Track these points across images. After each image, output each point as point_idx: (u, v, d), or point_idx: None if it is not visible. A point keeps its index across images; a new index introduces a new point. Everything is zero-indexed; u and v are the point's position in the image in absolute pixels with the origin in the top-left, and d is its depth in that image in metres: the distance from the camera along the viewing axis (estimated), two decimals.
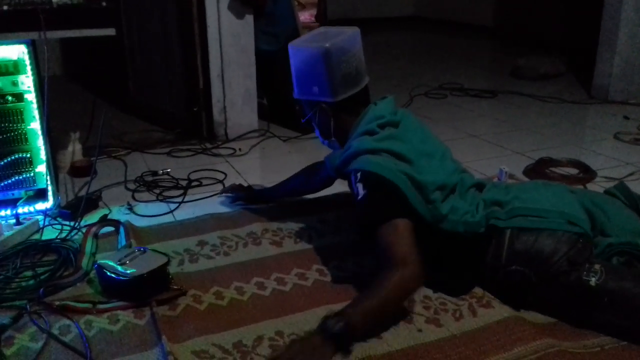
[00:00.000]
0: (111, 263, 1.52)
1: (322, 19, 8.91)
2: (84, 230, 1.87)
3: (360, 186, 1.49)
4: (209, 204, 2.18)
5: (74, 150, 2.52)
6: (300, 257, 1.74)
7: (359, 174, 1.51)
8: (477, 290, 1.55)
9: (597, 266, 1.39)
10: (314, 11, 9.20)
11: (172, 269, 1.64)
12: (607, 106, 3.59)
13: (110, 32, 2.43)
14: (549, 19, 5.46)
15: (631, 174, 2.40)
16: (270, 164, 2.70)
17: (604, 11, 3.63)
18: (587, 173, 2.42)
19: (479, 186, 1.67)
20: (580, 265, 1.39)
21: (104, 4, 2.43)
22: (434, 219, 1.50)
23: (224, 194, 2.23)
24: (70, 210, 2.01)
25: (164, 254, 1.60)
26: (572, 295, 1.39)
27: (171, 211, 2.11)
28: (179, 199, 2.20)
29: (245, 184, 2.30)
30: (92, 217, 2.01)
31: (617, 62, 3.61)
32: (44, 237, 1.85)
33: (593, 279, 1.37)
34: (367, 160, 1.50)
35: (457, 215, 1.52)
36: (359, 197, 1.49)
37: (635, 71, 3.67)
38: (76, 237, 1.85)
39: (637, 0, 3.50)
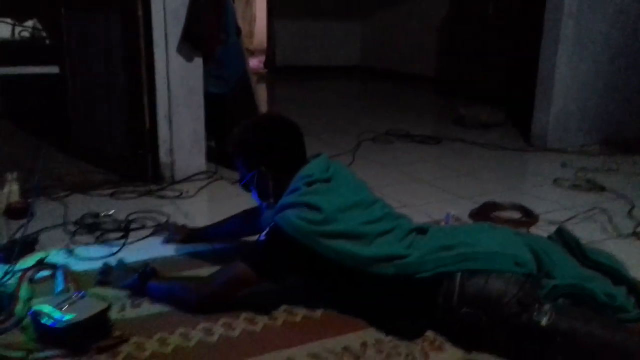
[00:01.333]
0: (47, 309, 1.43)
1: (271, 66, 9.04)
2: (18, 274, 1.76)
3: (266, 231, 1.61)
4: (152, 246, 2.11)
5: (11, 191, 2.40)
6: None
7: (272, 224, 1.60)
8: (429, 334, 1.54)
9: (546, 306, 1.41)
10: (262, 58, 9.33)
11: (113, 314, 1.56)
12: (545, 154, 3.74)
13: (54, 70, 2.38)
14: (489, 70, 5.71)
15: (571, 218, 2.48)
16: (217, 206, 2.65)
17: (540, 64, 3.83)
18: (529, 217, 2.49)
19: (421, 230, 1.69)
20: (530, 306, 1.41)
21: (47, 41, 2.38)
22: (356, 262, 1.54)
23: (158, 233, 2.19)
24: (5, 253, 1.89)
25: (105, 298, 1.52)
26: (523, 336, 1.40)
27: (113, 254, 2.03)
28: (121, 242, 2.12)
29: (190, 226, 2.25)
30: (28, 261, 1.89)
31: (553, 112, 3.79)
32: None
33: (544, 319, 1.38)
34: (283, 216, 1.56)
35: (387, 259, 1.53)
36: (259, 238, 1.64)
37: (570, 120, 3.86)
38: (10, 281, 1.73)
39: (569, 56, 3.71)
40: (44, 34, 2.39)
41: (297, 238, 1.54)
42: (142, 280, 1.71)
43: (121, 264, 1.87)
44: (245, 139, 1.73)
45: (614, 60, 3.89)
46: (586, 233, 2.28)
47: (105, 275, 1.80)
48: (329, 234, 1.54)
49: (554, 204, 2.72)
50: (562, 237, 1.82)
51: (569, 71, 3.75)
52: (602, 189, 2.94)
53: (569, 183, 3.04)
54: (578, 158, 3.60)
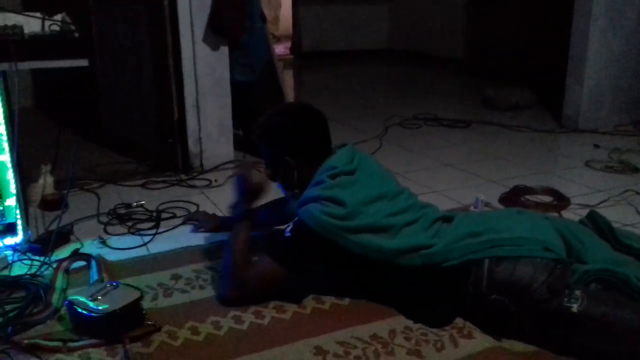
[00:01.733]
0: (82, 299, 1.47)
1: (297, 52, 9.01)
2: (54, 265, 1.81)
3: (290, 226, 1.61)
4: (183, 235, 2.14)
5: (45, 183, 2.46)
6: None
7: (296, 219, 1.60)
8: (458, 321, 1.53)
9: (577, 292, 1.39)
10: (288, 44, 9.32)
11: (146, 304, 1.59)
12: (577, 135, 3.66)
13: (83, 63, 2.41)
14: (518, 50, 5.60)
15: (604, 201, 2.43)
16: None
17: (572, 43, 3.73)
18: (561, 200, 2.45)
19: (447, 219, 1.68)
20: (560, 292, 1.39)
21: (76, 34, 2.41)
22: (383, 255, 1.53)
23: (188, 222, 2.21)
24: (41, 244, 1.95)
25: (137, 288, 1.56)
26: (553, 323, 1.39)
27: (145, 244, 2.07)
28: (152, 232, 2.16)
29: (220, 214, 2.28)
30: (63, 252, 1.95)
31: (585, 92, 3.71)
32: (12, 273, 1.78)
33: (575, 305, 1.36)
34: (306, 211, 1.56)
35: (412, 250, 1.53)
36: (285, 233, 1.61)
37: (603, 100, 3.77)
38: (46, 272, 1.79)
39: (602, 32, 3.61)
40: (73, 27, 2.42)
41: (321, 233, 1.54)
42: (241, 219, 1.74)
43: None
44: (271, 128, 1.73)
45: None
46: (619, 216, 2.23)
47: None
48: (353, 228, 1.54)
49: (586, 187, 2.66)
50: (594, 220, 1.78)
51: (602, 49, 3.65)
52: (635, 170, 2.87)
53: (602, 165, 2.98)
54: (611, 139, 3.52)
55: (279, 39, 9.13)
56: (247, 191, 1.74)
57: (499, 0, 5.76)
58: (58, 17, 2.44)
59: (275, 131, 1.72)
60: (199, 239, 2.11)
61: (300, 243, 1.59)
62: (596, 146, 3.34)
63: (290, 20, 8.28)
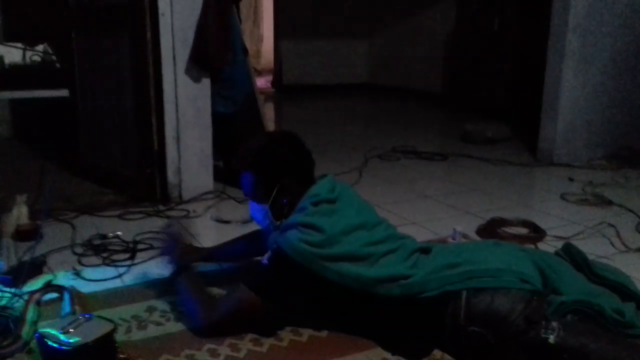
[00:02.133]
0: (53, 331, 1.43)
1: (278, 85, 9.10)
2: (26, 297, 1.77)
3: (269, 254, 1.61)
4: (159, 267, 2.11)
5: (20, 213, 2.41)
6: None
7: (274, 246, 1.59)
8: (436, 353, 1.53)
9: (554, 323, 1.40)
10: (270, 77, 9.40)
11: (119, 336, 1.56)
12: (552, 168, 3.73)
13: (64, 93, 2.41)
14: (495, 86, 5.72)
15: (579, 233, 2.47)
16: (225, 226, 2.66)
17: (546, 78, 3.83)
18: (537, 232, 2.48)
19: (424, 250, 1.69)
20: (537, 323, 1.40)
21: (57, 65, 2.42)
22: (360, 283, 1.53)
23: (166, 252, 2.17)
24: (12, 275, 1.91)
25: (110, 320, 1.53)
26: (531, 354, 1.39)
27: (119, 275, 2.04)
28: (128, 263, 2.13)
29: (198, 245, 2.25)
30: (36, 283, 1.91)
31: (559, 126, 3.79)
32: None
33: (552, 337, 1.37)
34: (285, 238, 1.57)
35: (391, 280, 1.53)
36: (262, 261, 1.62)
37: (577, 135, 3.86)
38: (17, 304, 1.74)
39: (575, 68, 3.71)
40: (54, 57, 2.43)
41: (298, 261, 1.54)
42: (179, 270, 1.79)
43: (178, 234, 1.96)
44: (260, 155, 1.71)
45: (620, 73, 3.89)
46: (594, 248, 2.26)
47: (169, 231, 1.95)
48: (331, 256, 1.54)
49: (561, 219, 2.70)
50: (569, 252, 1.81)
51: (575, 85, 3.75)
52: (609, 203, 2.92)
53: (576, 198, 3.03)
54: (585, 172, 3.59)
55: (260, 73, 9.27)
56: (176, 248, 1.83)
57: (478, 36, 5.91)
58: (40, 47, 2.45)
59: (265, 158, 1.71)
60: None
61: (278, 271, 1.58)
62: (571, 179, 3.40)
63: (272, 54, 8.40)
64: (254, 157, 1.72)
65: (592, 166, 3.74)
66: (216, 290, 1.88)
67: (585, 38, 3.69)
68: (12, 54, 2.41)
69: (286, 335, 1.62)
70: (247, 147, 1.75)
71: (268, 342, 1.59)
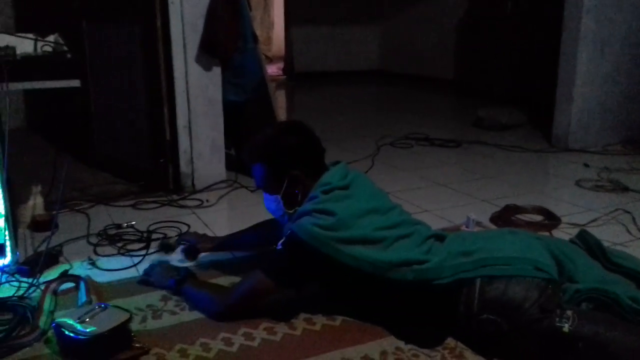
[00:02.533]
0: (70, 321, 1.45)
1: (289, 72, 9.07)
2: (42, 287, 1.79)
3: (283, 240, 1.62)
4: (173, 256, 2.13)
5: (35, 204, 2.44)
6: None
7: (288, 232, 1.61)
8: (450, 341, 1.53)
9: (569, 312, 1.39)
10: (281, 64, 9.36)
11: (134, 326, 1.58)
12: (567, 154, 3.69)
13: (76, 83, 2.41)
14: (508, 71, 5.66)
15: (594, 220, 2.45)
16: (238, 214, 2.67)
17: (560, 63, 3.78)
18: (551, 219, 2.46)
19: (439, 237, 1.69)
20: (552, 312, 1.39)
21: (69, 55, 2.42)
22: (374, 267, 1.53)
23: (180, 243, 2.19)
24: (29, 266, 1.93)
25: (126, 310, 1.54)
26: (545, 343, 1.39)
27: (134, 265, 2.05)
28: (143, 253, 2.15)
29: (211, 235, 2.27)
30: (52, 273, 1.93)
31: (574, 112, 3.75)
32: (0, 295, 1.76)
33: (566, 325, 1.36)
34: (298, 224, 1.58)
35: (405, 264, 1.53)
36: (277, 246, 1.64)
37: (592, 120, 3.81)
38: (34, 294, 1.77)
39: (590, 53, 3.66)
40: (65, 48, 2.43)
41: (313, 245, 1.54)
42: (178, 283, 1.77)
43: (163, 263, 1.94)
44: (271, 145, 1.71)
45: (635, 57, 3.83)
46: (609, 235, 2.24)
47: (148, 275, 1.88)
48: (344, 239, 1.54)
49: (577, 206, 2.68)
50: (585, 240, 1.80)
51: (590, 69, 3.70)
52: (625, 189, 2.89)
53: (592, 184, 3.00)
54: (600, 158, 3.55)
55: (271, 60, 9.23)
56: (162, 272, 1.85)
57: (490, 20, 5.84)
58: (51, 38, 2.45)
59: (277, 148, 1.70)
60: (189, 259, 2.09)
61: (292, 256, 1.60)
62: (586, 165, 3.37)
63: (283, 41, 8.36)
64: (263, 149, 1.72)
65: (607, 151, 3.70)
66: (230, 279, 1.89)
67: (600, 22, 3.63)
68: (24, 44, 2.42)
69: (300, 324, 1.63)
70: (255, 140, 1.75)
71: (282, 330, 1.59)
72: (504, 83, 5.68)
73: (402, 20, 7.94)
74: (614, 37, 3.71)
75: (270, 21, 9.89)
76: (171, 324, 1.63)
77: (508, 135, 4.28)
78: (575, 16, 3.63)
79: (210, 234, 2.31)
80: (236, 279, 1.86)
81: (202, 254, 2.12)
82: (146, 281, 1.88)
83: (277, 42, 9.46)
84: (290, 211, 1.71)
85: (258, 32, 3.38)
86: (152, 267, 1.92)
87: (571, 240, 1.83)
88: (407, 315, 1.58)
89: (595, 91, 3.76)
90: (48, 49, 2.42)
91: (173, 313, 1.69)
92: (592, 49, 3.67)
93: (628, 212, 2.54)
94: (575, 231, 2.01)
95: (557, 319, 1.38)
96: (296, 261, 1.60)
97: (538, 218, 2.51)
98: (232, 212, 2.73)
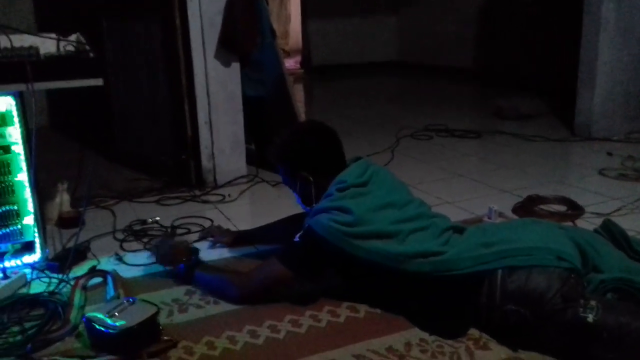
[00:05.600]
0: (100, 315, 1.49)
1: (307, 66, 9.05)
2: (72, 282, 1.83)
3: (300, 233, 1.67)
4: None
5: (62, 201, 2.49)
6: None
7: (306, 227, 1.65)
8: (474, 332, 1.53)
9: (593, 302, 1.38)
10: (298, 58, 9.36)
11: (162, 320, 1.60)
12: (590, 143, 3.65)
13: (98, 82, 2.44)
14: (529, 59, 5.60)
15: (618, 209, 2.42)
16: (259, 209, 2.69)
17: (582, 51, 3.73)
18: (575, 209, 2.44)
19: (458, 229, 1.70)
20: (575, 302, 1.39)
21: (91, 54, 2.45)
22: (390, 260, 1.55)
23: (203, 238, 2.24)
24: (58, 262, 1.97)
25: (154, 304, 1.57)
26: (569, 333, 1.38)
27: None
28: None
29: (234, 229, 2.29)
30: (81, 269, 1.97)
31: (596, 100, 3.70)
32: (31, 291, 1.81)
33: (590, 315, 1.36)
34: (315, 220, 1.62)
35: (421, 256, 1.54)
36: (295, 239, 1.67)
37: (615, 108, 3.76)
38: (64, 289, 1.81)
39: (612, 39, 3.61)
40: (87, 47, 2.45)
41: (329, 240, 1.58)
42: (188, 269, 1.82)
43: (174, 243, 1.97)
44: (286, 147, 1.79)
45: None
46: (634, 224, 2.22)
47: (157, 249, 1.95)
48: (360, 234, 1.57)
49: (600, 196, 2.65)
50: (609, 229, 1.78)
51: (612, 55, 3.64)
52: None
53: (616, 173, 2.96)
54: (624, 146, 3.50)
55: (288, 54, 9.23)
56: (171, 259, 1.87)
57: (510, 8, 5.77)
58: (72, 37, 2.49)
59: (290, 149, 1.78)
60: (213, 253, 2.12)
61: (308, 249, 1.64)
62: (609, 154, 3.33)
63: (300, 35, 8.35)
64: (279, 150, 1.80)
65: (631, 140, 3.65)
66: None
67: (621, 7, 3.57)
68: (47, 44, 2.45)
69: (324, 316, 1.65)
70: (277, 140, 1.81)
71: (307, 323, 1.61)
72: (524, 71, 5.62)
73: (419, 10, 7.87)
74: (636, 23, 3.65)
75: (286, 15, 9.87)
76: (197, 317, 1.66)
77: (529, 124, 4.24)
78: (596, 2, 3.57)
79: (233, 228, 2.33)
80: None
81: (226, 248, 2.15)
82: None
83: (294, 35, 9.45)
84: (308, 208, 1.76)
85: (275, 27, 3.39)
86: (162, 243, 1.97)
87: (595, 230, 1.82)
88: (430, 308, 1.59)
89: (618, 78, 3.71)
90: (70, 48, 2.46)
91: (199, 307, 1.72)
92: (614, 35, 3.61)
93: None
94: (599, 221, 2.00)
95: (581, 309, 1.38)
96: (312, 253, 1.64)
97: (561, 208, 2.49)
98: (253, 207, 2.75)
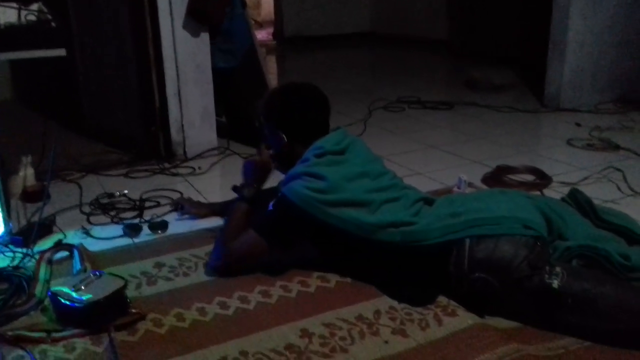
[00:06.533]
0: (65, 289, 1.46)
1: (279, 37, 8.94)
2: (37, 256, 1.80)
3: (273, 201, 1.65)
4: (168, 223, 2.13)
5: (26, 174, 2.43)
6: (263, 274, 1.71)
7: (279, 195, 1.65)
8: (442, 299, 1.55)
9: (558, 269, 1.41)
10: (271, 29, 9.23)
11: (130, 292, 1.59)
12: (559, 114, 3.69)
13: (61, 52, 2.37)
14: (500, 31, 5.60)
15: (585, 179, 2.46)
16: (230, 181, 2.64)
17: (552, 23, 3.74)
18: (543, 179, 2.47)
19: (428, 201, 1.71)
20: (541, 269, 1.41)
21: (53, 24, 2.37)
22: (361, 229, 1.56)
23: (174, 211, 2.22)
24: (23, 236, 1.93)
25: (121, 277, 1.55)
26: (535, 299, 1.41)
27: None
28: (136, 221, 2.15)
29: (205, 202, 2.27)
30: (46, 243, 1.93)
31: (566, 71, 3.73)
32: None
33: (555, 281, 1.38)
34: (289, 187, 1.61)
35: (392, 226, 1.55)
36: (268, 208, 1.66)
37: (584, 79, 3.79)
38: (29, 264, 1.78)
39: (583, 11, 3.62)
40: (50, 16, 2.38)
41: (303, 207, 1.57)
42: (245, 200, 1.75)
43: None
44: (270, 103, 1.77)
45: (628, 15, 3.79)
46: (600, 193, 2.26)
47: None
48: (333, 202, 1.57)
49: (568, 165, 2.69)
50: (575, 198, 1.81)
51: (583, 27, 3.67)
52: (616, 147, 2.90)
53: (583, 143, 3.00)
54: (592, 117, 3.55)
55: (261, 25, 9.09)
56: (259, 174, 1.79)
57: None
58: (34, 6, 2.40)
59: (273, 106, 1.76)
60: (183, 226, 2.10)
61: (281, 217, 1.63)
62: (577, 125, 3.37)
63: (272, 6, 8.22)
64: (266, 105, 1.77)
65: (599, 110, 3.70)
66: None
67: None
68: (7, 13, 2.37)
69: (294, 287, 1.65)
70: (266, 93, 1.81)
71: (277, 293, 1.61)
72: (496, 43, 5.63)
73: None
74: None
75: None
76: (166, 290, 1.65)
77: (500, 96, 4.26)
78: None
79: (203, 201, 2.31)
80: None
81: (197, 221, 2.13)
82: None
83: (267, 6, 9.31)
84: (283, 171, 1.75)
85: None
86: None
87: (562, 199, 1.85)
88: (399, 277, 1.60)
89: (588, 50, 3.74)
90: (32, 18, 2.37)
91: (168, 279, 1.71)
92: (585, 6, 3.62)
93: (619, 170, 2.55)
94: (566, 190, 2.03)
95: (547, 276, 1.40)
96: (286, 222, 1.63)
97: (530, 178, 2.52)
98: (224, 179, 2.72)
